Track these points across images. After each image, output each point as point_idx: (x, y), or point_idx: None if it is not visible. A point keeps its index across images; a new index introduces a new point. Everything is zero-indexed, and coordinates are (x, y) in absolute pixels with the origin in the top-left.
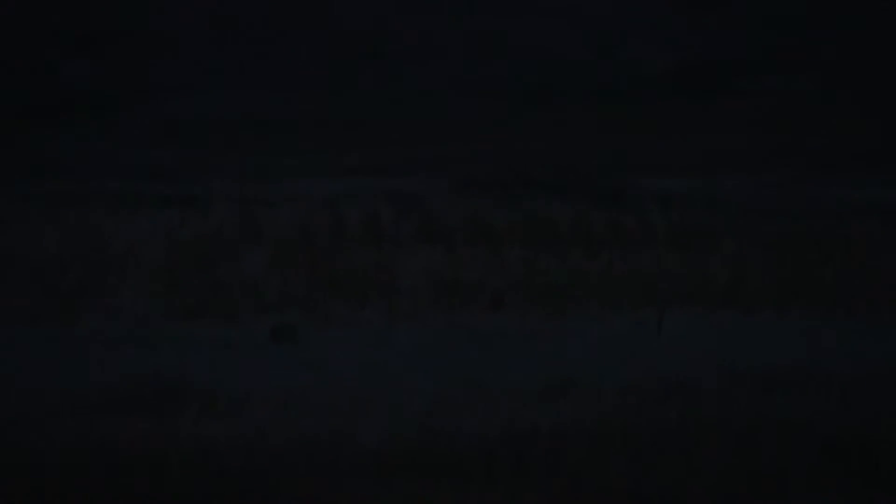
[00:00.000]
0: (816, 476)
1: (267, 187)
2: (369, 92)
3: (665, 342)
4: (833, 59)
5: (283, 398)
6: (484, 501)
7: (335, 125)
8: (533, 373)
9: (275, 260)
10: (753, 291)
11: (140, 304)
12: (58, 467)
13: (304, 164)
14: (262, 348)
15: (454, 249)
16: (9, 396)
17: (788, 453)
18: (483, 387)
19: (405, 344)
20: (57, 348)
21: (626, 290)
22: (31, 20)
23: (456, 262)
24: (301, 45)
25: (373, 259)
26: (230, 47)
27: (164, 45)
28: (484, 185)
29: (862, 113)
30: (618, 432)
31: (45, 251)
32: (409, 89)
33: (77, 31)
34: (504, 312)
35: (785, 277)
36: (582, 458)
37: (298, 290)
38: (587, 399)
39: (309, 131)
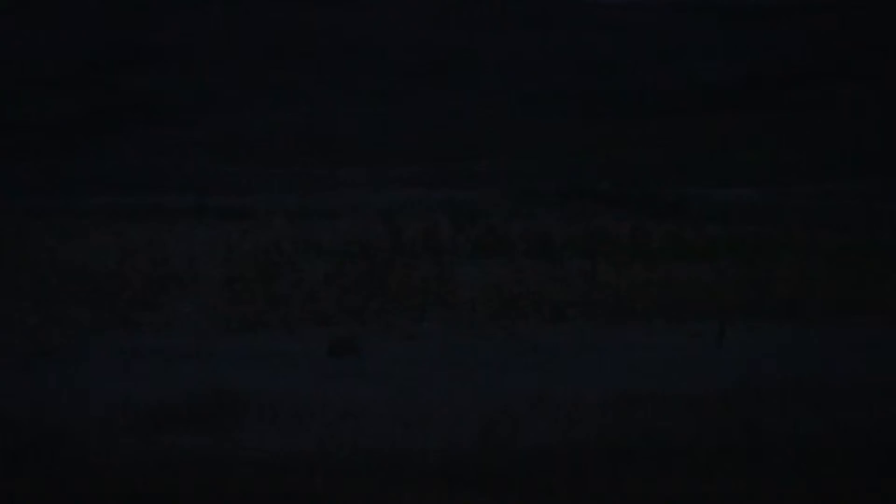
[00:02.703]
0: (877, 484)
1: (326, 200)
2: (429, 105)
3: (726, 354)
4: None
5: (344, 411)
6: None
7: (394, 138)
8: (594, 385)
9: (334, 272)
10: (815, 303)
11: (200, 317)
12: (118, 483)
13: (364, 176)
14: (321, 361)
15: (514, 262)
16: (70, 411)
17: (851, 463)
18: (544, 399)
19: (465, 356)
20: (117, 362)
21: (687, 302)
22: (92, 33)
23: (516, 275)
24: (360, 61)
25: (432, 271)
26: (289, 62)
27: (224, 60)
28: (544, 198)
29: None
30: (679, 444)
31: (105, 265)
32: (469, 102)
33: (138, 45)
34: (564, 324)
35: (847, 289)
36: (644, 471)
37: (357, 302)
38: (648, 411)
39: (368, 144)
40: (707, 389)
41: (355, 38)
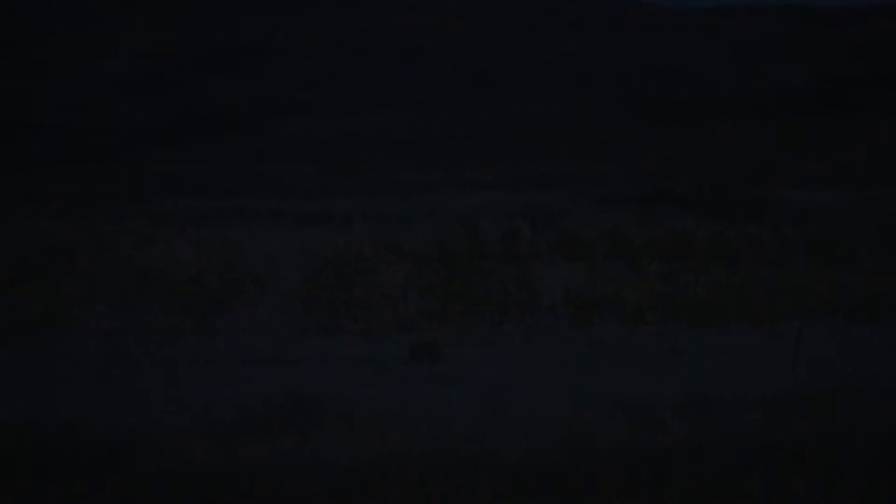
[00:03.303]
0: None
1: (405, 204)
2: (508, 108)
3: (804, 357)
4: None
5: (424, 416)
6: None
7: (473, 141)
8: (673, 388)
9: (413, 276)
10: (892, 305)
11: (278, 321)
12: (195, 488)
13: (442, 180)
14: (401, 365)
15: (593, 265)
16: (147, 417)
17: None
18: (623, 402)
19: (545, 360)
20: (195, 365)
21: (765, 304)
22: (173, 37)
23: (595, 278)
24: (438, 65)
25: (512, 275)
26: (367, 68)
27: (304, 64)
28: (623, 201)
29: None
30: (757, 448)
31: (182, 268)
32: (547, 106)
33: (219, 49)
34: (644, 327)
35: None
36: (721, 475)
37: (437, 306)
38: (726, 414)
39: (447, 148)
40: (783, 392)
41: (434, 42)
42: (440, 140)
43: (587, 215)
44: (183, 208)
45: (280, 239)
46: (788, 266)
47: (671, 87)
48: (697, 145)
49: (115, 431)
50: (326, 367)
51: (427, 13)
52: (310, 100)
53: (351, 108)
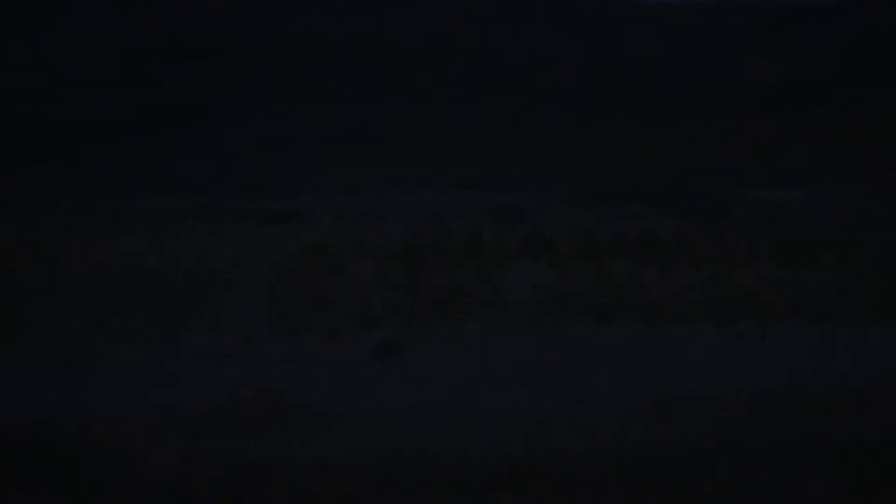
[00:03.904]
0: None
1: (373, 202)
2: (471, 106)
3: (769, 356)
4: None
5: (391, 415)
6: None
7: (437, 139)
8: (639, 386)
9: (379, 275)
10: (858, 305)
11: (244, 320)
12: (162, 487)
13: (410, 178)
14: (367, 363)
15: (559, 263)
16: (113, 414)
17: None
18: (589, 401)
19: (511, 358)
20: (162, 365)
21: (731, 303)
22: (135, 33)
23: (561, 276)
24: (407, 63)
25: (478, 273)
26: (334, 64)
27: (268, 61)
28: (591, 199)
29: None
30: (724, 446)
31: (148, 267)
32: (511, 104)
33: (180, 45)
34: (610, 326)
35: (889, 291)
36: (690, 475)
37: (403, 304)
38: (693, 413)
39: (415, 146)
40: (751, 391)
41: (403, 41)
42: (408, 139)
43: (555, 214)
44: (149, 207)
45: (247, 237)
46: (754, 264)
47: (641, 84)
48: (667, 143)
49: (80, 431)
50: (292, 364)
51: (399, 12)
52: (278, 97)
53: (320, 106)
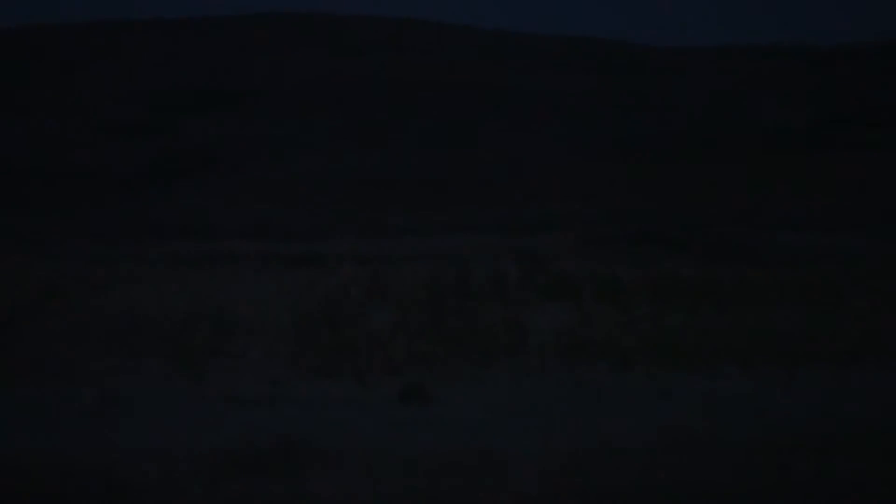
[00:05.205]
0: None
1: (394, 245)
2: (493, 150)
3: (795, 399)
4: None
5: (414, 459)
6: None
7: (459, 184)
8: (662, 430)
9: (402, 318)
10: (884, 348)
11: (267, 364)
12: None
13: (430, 222)
14: (392, 407)
15: (581, 307)
16: (137, 459)
17: None
18: (612, 445)
19: (534, 402)
20: (185, 408)
21: (755, 346)
22: (155, 81)
23: (583, 320)
24: (423, 106)
25: (500, 317)
26: (355, 109)
27: (290, 107)
28: (611, 243)
29: None
30: (750, 491)
31: (171, 311)
32: (534, 148)
33: (204, 91)
34: (633, 370)
35: None
36: None
37: (426, 348)
38: (717, 456)
39: (434, 190)
40: (777, 434)
41: (421, 83)
42: (426, 182)
43: (574, 257)
44: (171, 251)
45: (269, 281)
46: (779, 307)
47: (658, 128)
48: (685, 186)
49: (105, 473)
50: (316, 409)
51: (415, 54)
52: (297, 141)
53: (338, 149)
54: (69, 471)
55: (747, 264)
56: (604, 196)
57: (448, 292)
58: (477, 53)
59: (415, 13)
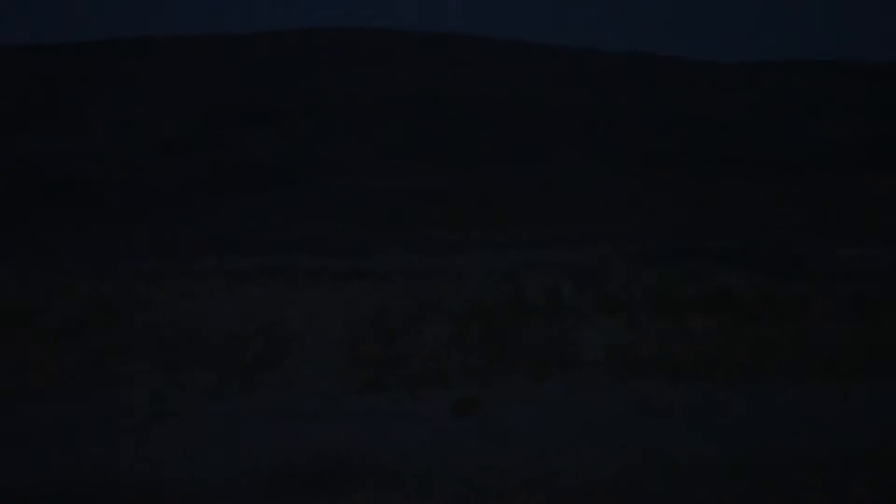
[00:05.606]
0: None
1: (441, 261)
2: (546, 166)
3: (851, 415)
4: None
5: (467, 474)
6: None
7: (513, 199)
8: (717, 446)
9: (455, 333)
10: None
11: (320, 378)
12: None
13: (483, 237)
14: (444, 422)
15: (635, 321)
16: (190, 474)
17: None
18: (666, 461)
19: (588, 417)
20: (237, 423)
21: (810, 361)
22: (210, 94)
23: (637, 334)
24: (470, 122)
25: (554, 332)
26: (402, 125)
27: (338, 122)
28: (665, 258)
29: None
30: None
31: (224, 325)
32: (587, 163)
33: (254, 107)
34: (687, 384)
35: None
36: None
37: (479, 362)
38: (771, 474)
39: (487, 205)
40: (832, 451)
41: (466, 99)
42: (480, 197)
43: (629, 271)
44: (222, 266)
45: (320, 296)
46: (834, 322)
47: (713, 143)
48: (740, 201)
49: (157, 488)
50: (370, 423)
51: (457, 68)
52: (345, 157)
53: (385, 165)
54: (117, 486)
55: (804, 279)
56: (658, 212)
57: (500, 306)
58: (516, 69)
59: (460, 27)
